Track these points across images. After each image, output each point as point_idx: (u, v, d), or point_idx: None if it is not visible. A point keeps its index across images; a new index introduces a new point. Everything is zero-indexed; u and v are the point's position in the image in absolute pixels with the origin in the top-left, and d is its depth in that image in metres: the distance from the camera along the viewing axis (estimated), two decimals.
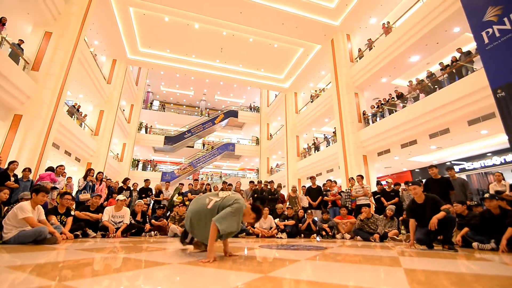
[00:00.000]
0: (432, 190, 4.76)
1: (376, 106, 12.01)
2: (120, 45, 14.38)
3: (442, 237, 3.63)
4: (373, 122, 11.65)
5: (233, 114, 23.35)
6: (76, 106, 12.66)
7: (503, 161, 11.32)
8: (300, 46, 14.93)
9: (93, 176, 6.60)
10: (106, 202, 6.48)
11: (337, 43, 13.23)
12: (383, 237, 5.07)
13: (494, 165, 11.70)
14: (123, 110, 18.30)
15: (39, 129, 7.81)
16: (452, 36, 9.75)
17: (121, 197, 5.15)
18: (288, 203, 7.73)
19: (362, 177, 7.41)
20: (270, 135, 22.86)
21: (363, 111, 12.31)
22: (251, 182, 8.20)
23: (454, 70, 8.91)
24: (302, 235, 6.29)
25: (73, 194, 6.16)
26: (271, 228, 6.12)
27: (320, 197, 7.42)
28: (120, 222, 4.98)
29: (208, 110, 27.83)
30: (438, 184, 5.28)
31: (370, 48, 12.28)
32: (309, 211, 6.72)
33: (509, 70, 6.42)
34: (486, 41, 6.95)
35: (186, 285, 1.42)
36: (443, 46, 10.33)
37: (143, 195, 7.43)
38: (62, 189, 6.07)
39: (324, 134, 18.82)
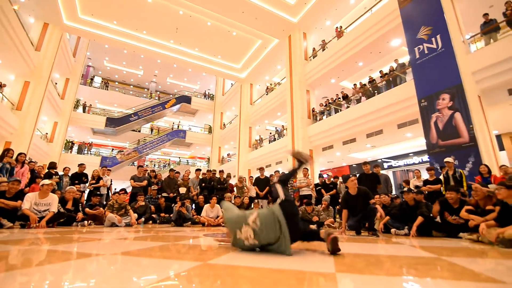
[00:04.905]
0: (364, 183, 5.36)
1: (324, 105, 12.85)
2: (54, 7, 12.32)
3: (367, 224, 4.14)
4: (320, 119, 12.47)
5: (186, 99, 22.37)
6: None
7: (421, 161, 13.33)
8: (259, 38, 14.95)
9: (11, 157, 5.65)
10: (27, 188, 5.64)
11: (294, 40, 13.63)
12: (320, 225, 5.55)
13: (414, 163, 13.72)
14: (56, 83, 15.92)
15: None
16: (392, 48, 10.93)
17: (46, 181, 4.52)
18: (236, 193, 7.85)
19: (307, 169, 7.93)
20: (224, 124, 22.65)
21: (313, 108, 13.06)
22: (198, 169, 8.06)
23: (390, 79, 10.04)
24: None
25: None
26: (217, 217, 6.14)
27: (267, 187, 7.71)
28: (45, 211, 4.40)
29: (158, 93, 26.12)
30: (369, 178, 5.99)
31: (323, 49, 12.98)
32: (256, 200, 6.93)
33: (432, 83, 7.54)
34: (417, 56, 8.00)
35: (121, 275, 1.35)
36: (384, 55, 11.52)
37: (76, 181, 6.68)
38: None
39: (276, 127, 19.45)
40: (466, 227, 3.53)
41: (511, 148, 9.79)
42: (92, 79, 22.61)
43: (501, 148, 9.49)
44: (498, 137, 9.60)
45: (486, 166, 5.36)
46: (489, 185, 4.31)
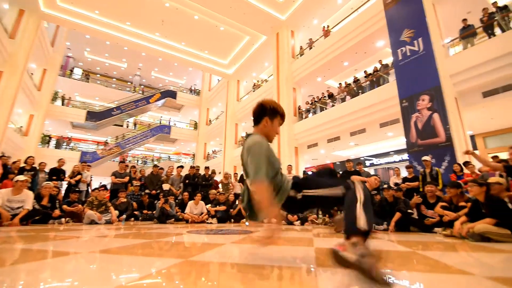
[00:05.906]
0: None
1: (310, 103, 13.00)
2: None
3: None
4: (306, 117, 12.61)
5: (171, 94, 21.92)
6: None
7: (401, 159, 13.83)
8: (246, 34, 14.85)
9: None
10: None
11: (281, 37, 13.64)
12: (304, 221, 5.64)
13: (394, 161, 14.20)
14: (32, 74, 15.11)
15: None
16: (377, 48, 11.20)
17: (21, 177, 4.32)
18: (221, 189, 7.83)
19: (291, 166, 8.02)
20: (210, 120, 22.43)
21: (299, 106, 13.18)
22: (180, 166, 7.95)
23: (374, 79, 10.29)
24: (233, 220, 6.48)
25: None
26: (201, 213, 6.10)
27: None
28: (19, 208, 4.19)
29: (142, 87, 25.38)
30: (352, 175, 6.13)
31: (311, 47, 13.09)
32: (240, 197, 6.92)
33: (413, 85, 7.79)
34: (400, 57, 8.24)
35: (101, 273, 1.31)
36: (370, 56, 11.79)
37: (54, 177, 6.41)
38: None
39: None
40: (440, 222, 3.71)
41: (483, 148, 10.35)
42: (71, 71, 21.61)
43: (474, 148, 10.01)
44: (472, 138, 10.12)
45: (459, 164, 5.64)
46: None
